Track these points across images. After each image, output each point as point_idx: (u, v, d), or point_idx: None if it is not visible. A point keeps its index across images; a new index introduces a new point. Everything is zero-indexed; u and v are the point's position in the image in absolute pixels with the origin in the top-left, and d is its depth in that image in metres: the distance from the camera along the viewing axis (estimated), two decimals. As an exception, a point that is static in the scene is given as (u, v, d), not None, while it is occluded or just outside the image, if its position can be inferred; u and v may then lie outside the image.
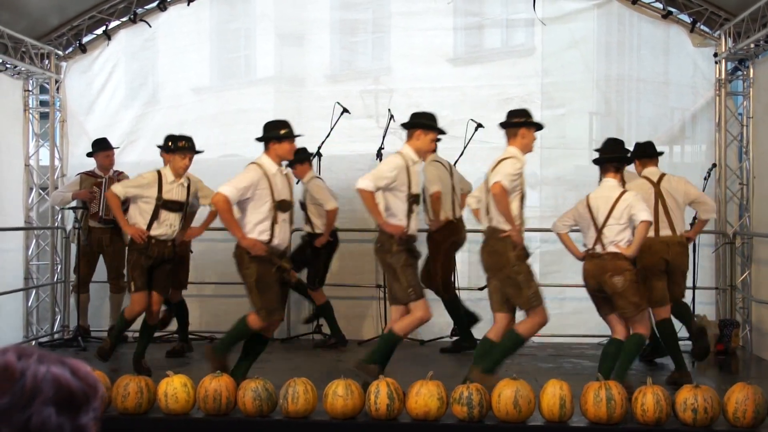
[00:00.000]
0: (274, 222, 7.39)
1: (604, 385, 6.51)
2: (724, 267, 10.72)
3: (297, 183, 9.86)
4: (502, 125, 7.65)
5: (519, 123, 7.52)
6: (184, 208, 8.51)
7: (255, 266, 7.33)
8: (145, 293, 8.37)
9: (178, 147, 8.36)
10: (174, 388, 6.72)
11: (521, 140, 7.50)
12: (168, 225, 8.39)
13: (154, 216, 8.32)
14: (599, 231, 7.41)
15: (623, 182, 7.84)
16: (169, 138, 8.49)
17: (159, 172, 8.41)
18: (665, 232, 8.19)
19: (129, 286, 8.49)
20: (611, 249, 7.36)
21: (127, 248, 8.54)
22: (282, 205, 7.45)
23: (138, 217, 8.34)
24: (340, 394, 6.60)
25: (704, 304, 10.38)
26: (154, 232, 8.33)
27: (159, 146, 8.82)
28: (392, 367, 7.60)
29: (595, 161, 7.81)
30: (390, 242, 7.49)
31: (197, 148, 9.83)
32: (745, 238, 10.60)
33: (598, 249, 7.42)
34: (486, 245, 7.46)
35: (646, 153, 8.49)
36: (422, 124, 7.75)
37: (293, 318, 10.90)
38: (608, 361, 7.30)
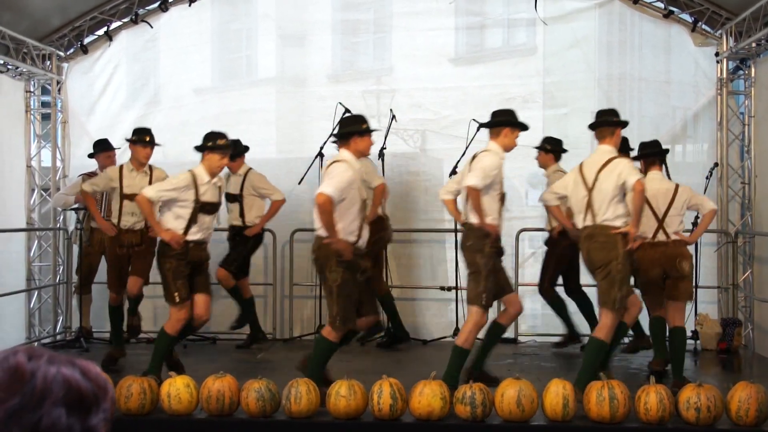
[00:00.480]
0: (362, 222, 7.33)
1: (607, 384, 6.51)
2: (726, 266, 10.72)
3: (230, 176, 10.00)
4: (486, 125, 7.67)
5: (502, 122, 7.56)
6: (218, 209, 8.16)
7: (341, 271, 7.13)
8: (189, 302, 7.82)
9: (218, 145, 7.87)
10: (177, 388, 6.72)
11: (503, 139, 7.55)
12: (205, 228, 7.90)
13: (192, 220, 7.78)
14: (661, 221, 7.92)
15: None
16: (209, 136, 7.98)
17: (193, 173, 7.83)
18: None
19: (171, 298, 7.76)
20: (675, 237, 7.90)
21: (159, 256, 7.88)
22: (365, 205, 7.41)
23: (173, 221, 7.77)
24: (342, 394, 6.60)
25: (706, 303, 10.38)
26: (192, 236, 7.79)
27: (196, 147, 8.11)
28: (394, 367, 7.60)
29: (640, 156, 8.20)
30: (483, 242, 7.42)
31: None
32: (747, 236, 10.59)
33: (662, 237, 7.90)
34: (593, 241, 7.32)
35: (650, 153, 8.46)
36: (510, 121, 7.63)
37: (295, 318, 10.89)
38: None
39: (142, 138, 9.04)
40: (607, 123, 7.61)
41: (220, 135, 7.96)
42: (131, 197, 8.69)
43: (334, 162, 7.29)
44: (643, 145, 8.19)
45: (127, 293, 9.02)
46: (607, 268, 7.19)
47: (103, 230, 9.07)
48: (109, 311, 9.18)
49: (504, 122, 7.58)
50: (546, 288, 9.91)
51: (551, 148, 9.86)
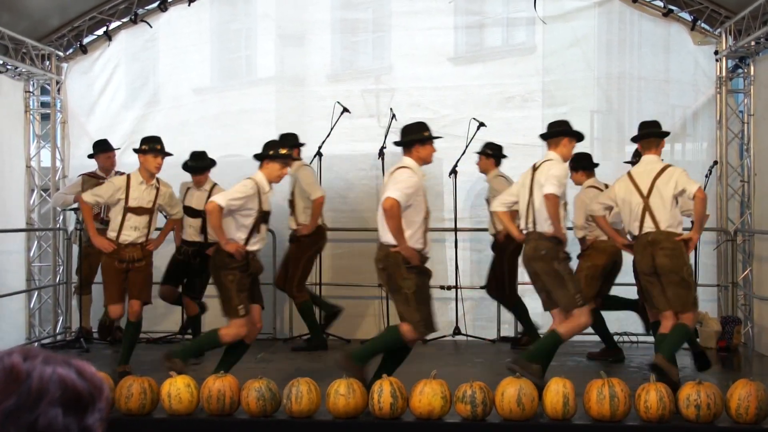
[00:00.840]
0: (426, 230, 7.30)
1: (608, 382, 6.51)
2: (725, 264, 10.72)
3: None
4: (546, 135, 7.81)
5: (561, 131, 7.69)
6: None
7: (414, 277, 7.09)
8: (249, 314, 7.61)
9: (280, 155, 7.61)
10: (177, 388, 6.72)
11: (563, 149, 7.68)
12: (262, 238, 7.70)
13: (255, 229, 7.56)
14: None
15: None
16: (271, 144, 7.73)
17: (255, 181, 7.54)
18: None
19: (234, 311, 7.47)
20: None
21: (218, 269, 7.56)
22: (429, 214, 7.40)
23: (235, 232, 7.51)
24: (342, 393, 6.61)
25: (706, 301, 10.37)
26: (252, 247, 7.57)
27: (256, 155, 7.78)
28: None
29: (639, 137, 8.05)
30: (557, 249, 7.48)
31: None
32: (747, 235, 10.60)
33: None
34: (659, 247, 7.46)
35: (647, 133, 8.35)
36: (568, 131, 7.73)
37: (296, 317, 10.88)
38: None
39: (153, 147, 8.52)
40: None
41: (282, 143, 7.87)
42: (136, 211, 8.46)
43: (399, 168, 7.25)
44: (644, 125, 8.18)
45: (128, 316, 8.57)
46: (679, 274, 7.44)
47: (98, 247, 8.53)
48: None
49: (563, 132, 7.69)
50: (510, 294, 9.90)
51: (492, 153, 9.93)
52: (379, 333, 8.17)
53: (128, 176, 8.61)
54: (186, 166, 9.82)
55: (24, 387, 1.49)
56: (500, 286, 9.90)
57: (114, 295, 8.58)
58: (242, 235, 7.50)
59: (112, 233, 8.53)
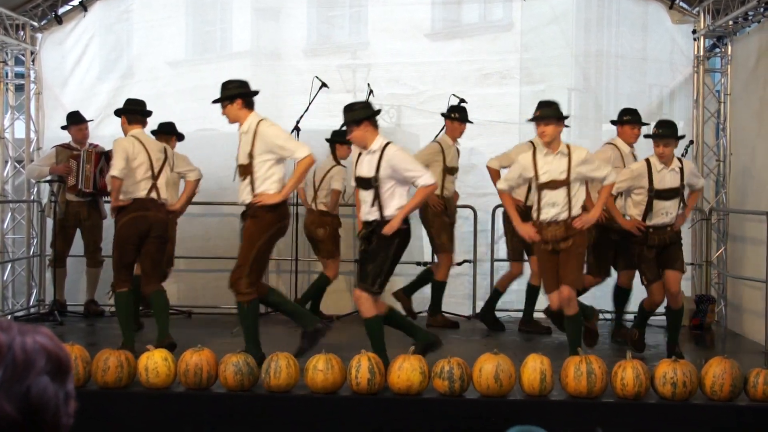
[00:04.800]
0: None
1: (585, 359, 6.55)
2: (700, 243, 10.80)
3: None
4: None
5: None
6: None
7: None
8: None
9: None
10: (155, 362, 6.70)
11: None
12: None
13: (649, 207, 8.21)
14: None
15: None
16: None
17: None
18: None
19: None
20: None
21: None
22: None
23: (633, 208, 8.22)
24: (320, 368, 6.61)
25: (681, 280, 10.43)
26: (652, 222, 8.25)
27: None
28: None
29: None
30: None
31: (172, 120, 9.81)
32: (721, 214, 10.67)
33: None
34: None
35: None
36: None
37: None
38: None
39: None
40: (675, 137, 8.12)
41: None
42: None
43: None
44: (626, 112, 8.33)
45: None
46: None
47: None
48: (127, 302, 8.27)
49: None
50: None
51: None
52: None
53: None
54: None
55: (8, 359, 1.47)
56: None
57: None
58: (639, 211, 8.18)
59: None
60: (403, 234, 7.27)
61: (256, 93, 7.66)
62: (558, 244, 7.42)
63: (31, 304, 11.10)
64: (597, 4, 11.04)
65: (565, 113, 7.84)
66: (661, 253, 8.17)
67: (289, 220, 7.77)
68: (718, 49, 10.95)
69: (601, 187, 7.64)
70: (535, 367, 6.55)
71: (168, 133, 9.56)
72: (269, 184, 7.35)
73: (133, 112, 8.45)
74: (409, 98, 11.16)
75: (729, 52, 10.73)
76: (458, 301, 10.88)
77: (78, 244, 10.45)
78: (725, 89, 10.78)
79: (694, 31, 10.82)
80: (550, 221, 7.43)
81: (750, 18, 9.97)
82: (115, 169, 8.00)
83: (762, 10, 9.54)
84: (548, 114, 7.49)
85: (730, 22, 10.17)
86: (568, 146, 7.52)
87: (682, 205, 8.17)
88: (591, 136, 10.71)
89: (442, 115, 9.84)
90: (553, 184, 7.42)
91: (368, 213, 7.27)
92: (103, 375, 6.69)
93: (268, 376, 6.61)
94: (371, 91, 10.46)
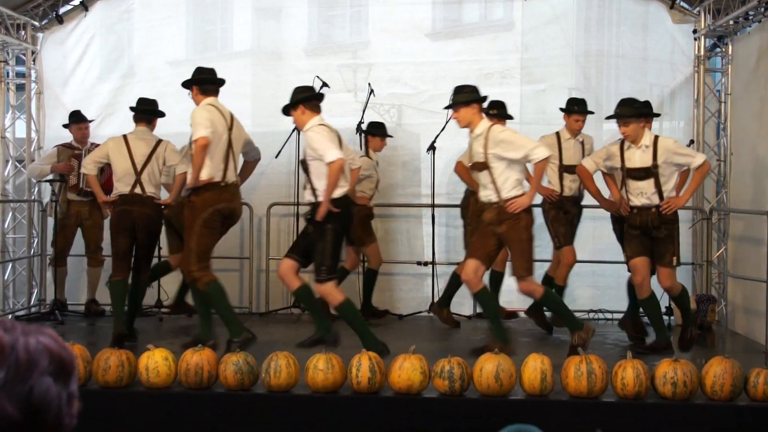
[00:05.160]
0: None
1: (585, 359, 6.55)
2: (700, 242, 10.80)
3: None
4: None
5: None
6: None
7: None
8: None
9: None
10: (155, 361, 6.69)
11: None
12: None
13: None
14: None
15: None
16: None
17: None
18: None
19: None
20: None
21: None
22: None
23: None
24: (320, 368, 6.61)
25: (681, 280, 10.40)
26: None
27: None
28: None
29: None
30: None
31: (176, 122, 9.82)
32: (722, 214, 10.67)
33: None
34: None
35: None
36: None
37: (272, 292, 10.87)
38: None
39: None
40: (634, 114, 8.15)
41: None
42: None
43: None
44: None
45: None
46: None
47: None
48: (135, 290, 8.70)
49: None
50: None
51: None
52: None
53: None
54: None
55: (11, 359, 1.48)
56: None
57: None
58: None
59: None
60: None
61: (321, 97, 8.09)
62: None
63: (32, 303, 11.11)
64: (597, 3, 11.04)
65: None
66: (652, 241, 8.20)
67: (226, 204, 7.84)
68: (718, 49, 10.95)
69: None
70: (535, 367, 6.54)
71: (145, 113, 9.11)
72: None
73: (137, 110, 8.88)
74: (409, 98, 11.16)
75: (730, 52, 10.72)
76: (459, 300, 10.85)
77: (79, 244, 10.46)
78: (726, 89, 10.77)
79: (694, 31, 10.82)
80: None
81: (751, 18, 9.96)
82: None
83: (762, 9, 9.54)
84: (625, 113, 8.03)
85: (731, 22, 10.17)
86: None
87: (671, 187, 8.15)
88: (591, 135, 10.67)
89: (561, 109, 9.66)
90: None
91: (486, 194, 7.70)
92: (104, 374, 6.68)
93: (268, 375, 6.61)
94: (372, 91, 10.47)
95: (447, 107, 7.88)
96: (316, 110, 7.83)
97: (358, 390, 6.60)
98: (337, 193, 7.56)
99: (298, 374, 6.67)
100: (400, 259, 11.07)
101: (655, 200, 8.09)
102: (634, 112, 8.09)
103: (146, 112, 8.84)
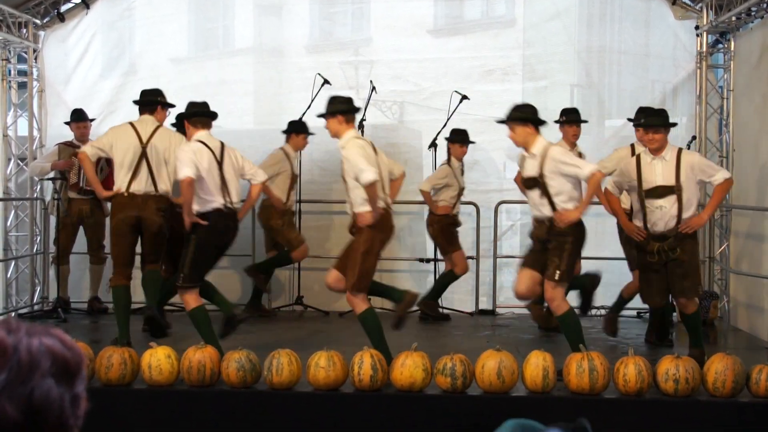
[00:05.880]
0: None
1: (587, 356, 6.55)
2: (703, 239, 10.77)
3: None
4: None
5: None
6: None
7: None
8: None
9: None
10: (158, 359, 6.70)
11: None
12: None
13: None
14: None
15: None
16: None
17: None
18: None
19: None
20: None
21: None
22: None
23: None
24: (322, 365, 6.61)
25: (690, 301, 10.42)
26: None
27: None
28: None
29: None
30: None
31: (174, 119, 9.74)
32: (724, 210, 10.66)
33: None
34: None
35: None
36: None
37: (274, 290, 10.87)
38: None
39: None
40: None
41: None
42: None
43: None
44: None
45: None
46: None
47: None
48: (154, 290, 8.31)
49: None
50: None
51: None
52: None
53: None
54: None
55: (13, 361, 1.48)
56: None
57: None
58: None
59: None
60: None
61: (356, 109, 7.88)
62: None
63: (34, 301, 11.12)
64: (599, 0, 11.03)
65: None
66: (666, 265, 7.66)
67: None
68: (720, 45, 10.93)
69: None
70: (537, 364, 6.55)
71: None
72: None
73: (138, 103, 8.63)
74: (411, 95, 11.16)
75: (732, 48, 10.71)
76: (461, 297, 10.88)
77: (81, 242, 10.47)
78: (728, 85, 10.76)
79: (696, 27, 10.80)
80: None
81: (753, 14, 9.95)
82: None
83: (765, 5, 9.53)
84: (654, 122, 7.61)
85: (733, 18, 10.15)
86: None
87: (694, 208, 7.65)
88: (594, 132, 10.69)
89: (557, 121, 9.40)
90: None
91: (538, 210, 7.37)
92: (107, 372, 6.69)
93: (270, 373, 6.62)
94: (374, 88, 10.48)
95: (500, 121, 7.61)
96: (352, 123, 7.70)
97: (359, 387, 6.61)
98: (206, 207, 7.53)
99: (300, 372, 6.68)
100: (401, 255, 11.07)
101: (670, 221, 7.59)
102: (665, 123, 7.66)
103: (143, 103, 8.54)
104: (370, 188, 7.24)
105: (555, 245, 7.18)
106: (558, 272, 7.14)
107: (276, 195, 9.71)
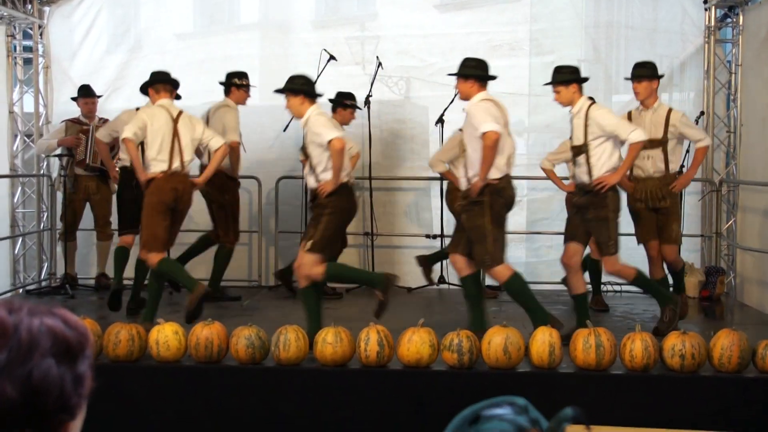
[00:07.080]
0: None
1: (594, 331, 6.55)
2: (710, 214, 10.77)
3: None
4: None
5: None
6: None
7: None
8: None
9: None
10: (165, 335, 6.72)
11: None
12: None
13: None
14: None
15: None
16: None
17: None
18: None
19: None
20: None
21: None
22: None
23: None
24: (329, 341, 6.63)
25: (690, 252, 10.44)
26: None
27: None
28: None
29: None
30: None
31: (184, 95, 9.73)
32: (731, 185, 10.64)
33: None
34: None
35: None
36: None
37: (281, 266, 10.88)
38: None
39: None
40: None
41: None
42: None
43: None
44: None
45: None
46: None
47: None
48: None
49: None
50: None
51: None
52: None
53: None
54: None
55: (13, 341, 1.47)
56: None
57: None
58: None
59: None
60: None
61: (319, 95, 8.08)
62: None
63: (42, 277, 11.15)
64: (606, -26, 10.96)
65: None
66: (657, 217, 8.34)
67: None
68: (729, 19, 10.87)
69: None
70: (544, 340, 6.55)
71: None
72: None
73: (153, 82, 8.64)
74: (418, 70, 11.12)
75: (740, 22, 10.64)
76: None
77: (88, 218, 10.49)
78: (736, 60, 10.70)
79: (705, 1, 10.73)
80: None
81: (761, -12, 9.90)
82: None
83: (773, -21, 9.48)
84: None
85: (742, -8, 10.10)
86: None
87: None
88: (603, 106, 10.62)
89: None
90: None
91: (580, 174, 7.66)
92: (114, 348, 6.72)
93: (277, 349, 6.64)
94: (380, 64, 10.44)
95: (547, 84, 7.79)
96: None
97: (366, 363, 6.62)
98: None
99: (308, 348, 6.70)
100: (408, 232, 11.07)
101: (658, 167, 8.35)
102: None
103: (146, 83, 8.62)
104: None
105: (594, 215, 7.55)
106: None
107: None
